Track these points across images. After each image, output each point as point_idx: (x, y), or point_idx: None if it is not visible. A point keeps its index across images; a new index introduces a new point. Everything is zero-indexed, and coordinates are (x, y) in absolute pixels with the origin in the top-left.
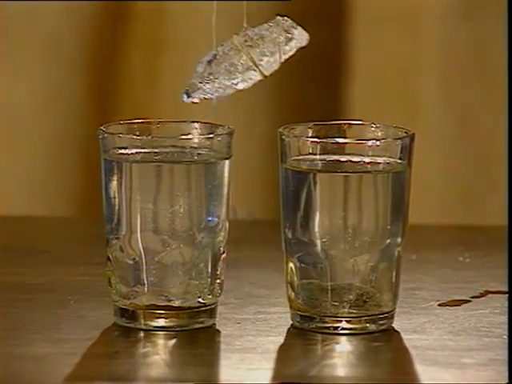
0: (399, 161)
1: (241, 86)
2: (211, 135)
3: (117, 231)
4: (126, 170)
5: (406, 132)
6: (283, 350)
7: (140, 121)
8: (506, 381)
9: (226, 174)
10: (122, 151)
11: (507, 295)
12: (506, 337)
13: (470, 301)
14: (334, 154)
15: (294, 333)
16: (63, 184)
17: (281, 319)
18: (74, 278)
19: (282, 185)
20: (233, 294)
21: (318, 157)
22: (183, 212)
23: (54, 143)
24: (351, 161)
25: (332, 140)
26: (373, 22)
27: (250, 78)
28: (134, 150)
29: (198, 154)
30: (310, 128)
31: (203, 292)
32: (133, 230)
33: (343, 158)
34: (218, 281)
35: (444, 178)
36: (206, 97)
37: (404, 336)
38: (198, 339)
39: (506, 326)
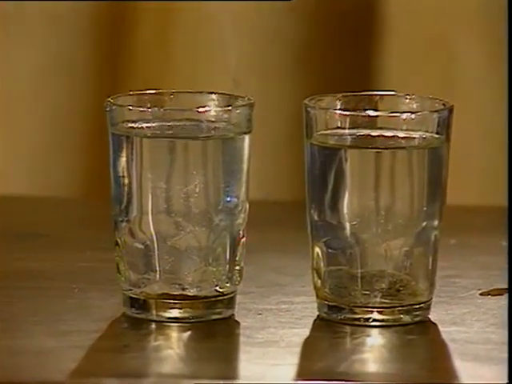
0: (436, 135)
1: None
2: (230, 107)
3: (126, 213)
4: (136, 146)
5: (443, 104)
6: (309, 344)
7: (152, 92)
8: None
9: (246, 150)
10: (132, 125)
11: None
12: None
13: None
14: (365, 127)
15: (321, 325)
16: (67, 161)
17: (306, 310)
18: (78, 264)
19: (307, 162)
20: (253, 281)
21: (347, 131)
22: (199, 192)
23: (57, 117)
24: (383, 135)
25: (363, 113)
26: None
27: None
28: (144, 124)
29: (215, 128)
30: (338, 99)
31: (221, 280)
32: (143, 212)
33: (375, 133)
34: (237, 267)
35: (485, 154)
36: None
37: (441, 328)
38: (215, 332)
39: None
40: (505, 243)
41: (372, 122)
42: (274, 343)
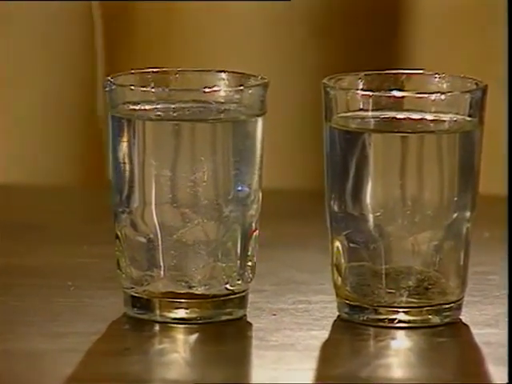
0: (468, 118)
1: None
2: (241, 87)
3: (127, 203)
4: (138, 130)
5: (476, 83)
6: (328, 347)
7: (155, 70)
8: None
9: (259, 135)
10: (134, 107)
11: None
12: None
13: None
14: (390, 109)
15: (341, 326)
16: (62, 147)
17: (325, 310)
18: (75, 259)
19: (326, 147)
20: (267, 279)
21: (370, 113)
22: (207, 180)
23: (51, 98)
24: (410, 118)
25: (387, 93)
26: None
27: None
28: (148, 106)
29: (225, 110)
30: (360, 78)
31: (231, 277)
32: (146, 202)
33: (401, 115)
34: (249, 263)
35: None
36: None
37: (474, 330)
38: (225, 334)
39: None
40: None
41: (398, 104)
42: (289, 346)
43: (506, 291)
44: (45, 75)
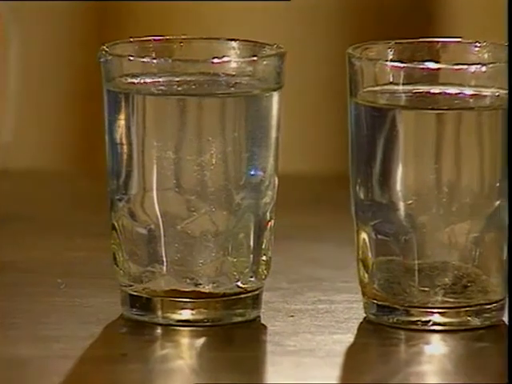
0: None
1: None
2: (255, 58)
3: (125, 190)
4: (137, 106)
5: None
6: (353, 353)
7: (157, 38)
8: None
9: (275, 112)
10: (133, 80)
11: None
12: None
13: None
14: (424, 83)
15: (368, 329)
16: (52, 126)
17: (350, 311)
18: (66, 253)
19: (351, 126)
20: (284, 275)
21: (401, 87)
22: (216, 163)
23: (38, 70)
24: (447, 93)
25: (421, 64)
26: None
27: None
28: (148, 79)
29: (237, 83)
30: (390, 48)
31: (243, 273)
32: (147, 188)
33: (436, 90)
34: (264, 258)
35: None
36: None
37: None
38: (237, 338)
39: None
40: None
41: (432, 77)
42: (309, 352)
43: None
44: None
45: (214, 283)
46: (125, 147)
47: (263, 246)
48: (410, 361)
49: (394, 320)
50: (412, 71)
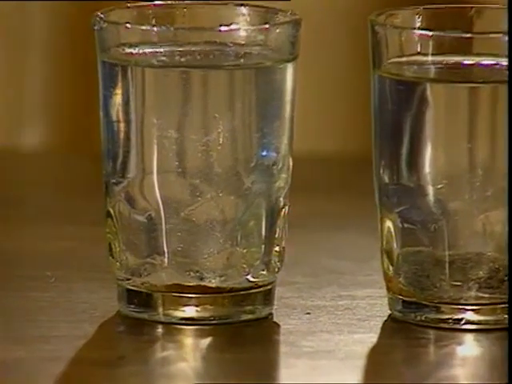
0: None
1: None
2: (266, 25)
3: (122, 173)
4: (136, 79)
5: None
6: (376, 355)
7: (158, 3)
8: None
9: (289, 85)
10: (131, 50)
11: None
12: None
13: None
14: (456, 53)
15: (394, 328)
16: (40, 101)
17: (373, 307)
18: (56, 243)
19: (374, 102)
20: (299, 268)
21: (430, 58)
22: (223, 143)
23: (22, 35)
24: (481, 64)
25: (452, 33)
26: None
27: None
28: (148, 49)
29: (247, 54)
30: (418, 14)
31: (254, 265)
32: (147, 171)
33: (469, 61)
34: (277, 248)
35: None
36: None
37: None
38: (246, 338)
39: None
40: None
41: (465, 46)
42: (327, 354)
43: None
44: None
45: (221, 277)
46: (122, 125)
47: (276, 236)
48: (440, 364)
49: (422, 318)
50: (442, 40)
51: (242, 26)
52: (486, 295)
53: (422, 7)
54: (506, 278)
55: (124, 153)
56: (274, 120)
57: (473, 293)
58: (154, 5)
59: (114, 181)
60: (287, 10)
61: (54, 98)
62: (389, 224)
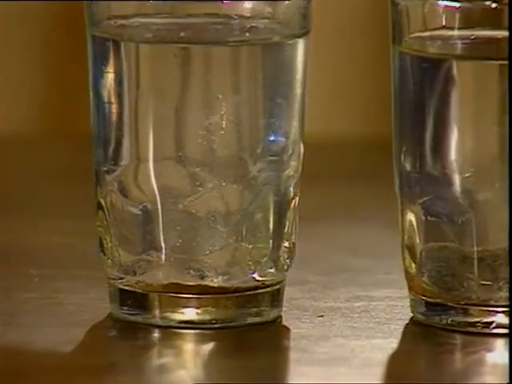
0: None
1: None
2: None
3: (115, 160)
4: (129, 56)
5: None
6: (397, 362)
7: None
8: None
9: (300, 63)
10: (124, 22)
11: (507, 294)
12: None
13: None
14: (485, 27)
15: (416, 332)
16: (23, 80)
17: (393, 309)
18: (41, 238)
19: (394, 81)
20: (311, 266)
21: (456, 33)
22: (227, 127)
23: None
24: None
25: (481, 4)
26: None
27: None
28: (143, 20)
29: (253, 28)
30: None
31: (261, 263)
32: (142, 158)
33: (499, 35)
34: (286, 244)
35: None
36: None
37: None
38: (253, 343)
39: None
40: None
41: (495, 19)
42: (342, 361)
43: None
44: None
45: (224, 275)
46: (114, 107)
47: (285, 230)
48: (467, 372)
49: (448, 321)
50: (470, 12)
51: None
52: None
53: None
54: None
55: (116, 138)
56: (283, 101)
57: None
58: None
59: (105, 169)
60: None
61: (38, 79)
62: (411, 216)
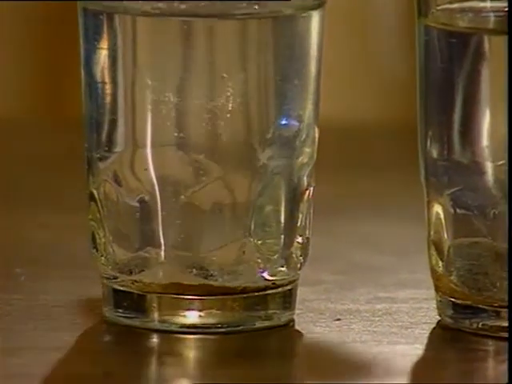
0: None
1: None
2: None
3: (109, 146)
4: (125, 31)
5: None
6: (423, 370)
7: None
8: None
9: (315, 39)
10: None
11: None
12: None
13: None
14: None
15: (444, 338)
16: (7, 58)
17: (418, 312)
18: (27, 233)
19: (419, 58)
20: (326, 263)
21: (488, 4)
22: (233, 109)
23: None
24: None
25: None
26: None
27: None
28: None
29: None
30: None
31: (271, 260)
32: (139, 144)
33: None
34: (299, 239)
35: None
36: None
37: None
38: (262, 349)
39: None
40: None
41: None
42: (362, 370)
43: None
44: None
45: (230, 274)
46: (107, 88)
47: (298, 224)
48: (500, 381)
49: (479, 325)
50: None
51: None
52: None
53: None
54: None
55: (111, 121)
56: (295, 81)
57: None
58: None
59: (98, 156)
60: None
61: (24, 57)
62: (438, 209)
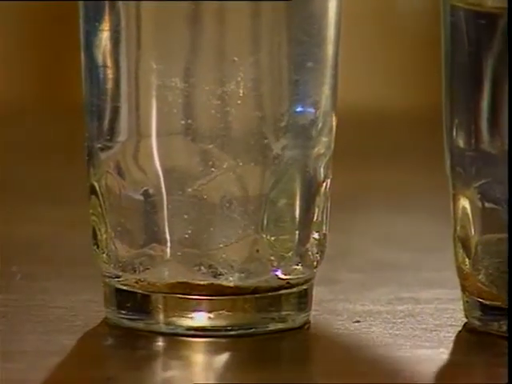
0: None
1: None
2: None
3: (110, 135)
4: (129, 13)
5: None
6: (448, 376)
7: None
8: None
9: (332, 19)
10: None
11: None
12: None
13: None
14: None
15: (470, 341)
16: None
17: (443, 313)
18: (24, 228)
19: (445, 41)
20: (345, 261)
21: None
22: (244, 96)
23: None
24: None
25: None
26: None
27: None
28: None
29: None
30: None
31: (285, 258)
32: (143, 133)
33: None
34: (315, 235)
35: None
36: None
37: None
38: (276, 354)
39: None
40: None
41: None
42: (383, 375)
43: None
44: None
45: (241, 273)
46: (109, 72)
47: (314, 219)
48: None
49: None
50: None
51: None
52: None
53: None
54: None
55: (113, 109)
56: (311, 65)
57: None
58: None
59: (99, 146)
60: None
61: (20, 41)
62: (464, 203)
